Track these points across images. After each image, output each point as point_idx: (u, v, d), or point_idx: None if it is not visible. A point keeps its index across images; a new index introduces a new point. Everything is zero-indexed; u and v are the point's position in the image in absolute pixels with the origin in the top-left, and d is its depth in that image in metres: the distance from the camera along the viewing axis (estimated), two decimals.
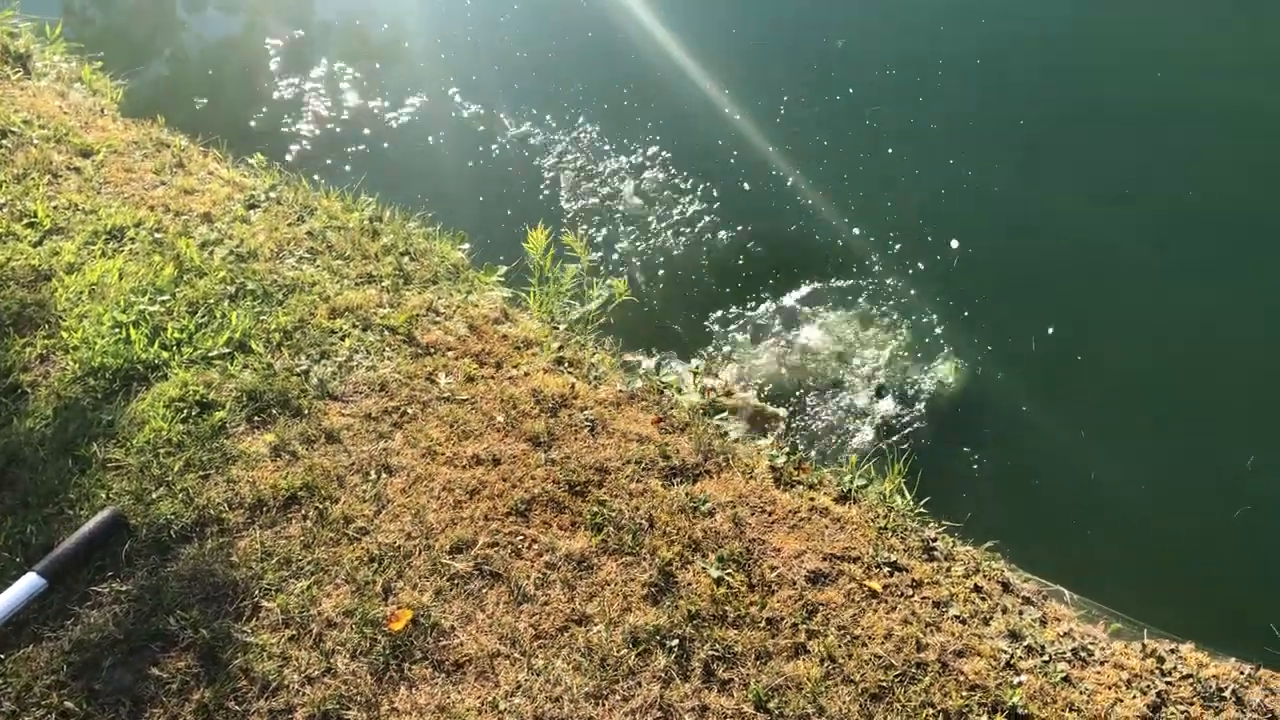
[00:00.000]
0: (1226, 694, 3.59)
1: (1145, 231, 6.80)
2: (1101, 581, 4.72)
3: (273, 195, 5.62)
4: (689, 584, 3.72)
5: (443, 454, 4.10)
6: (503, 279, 5.40)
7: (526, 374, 4.60)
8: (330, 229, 5.39)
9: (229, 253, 5.01)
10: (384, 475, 3.98)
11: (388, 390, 4.38)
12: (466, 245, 5.66)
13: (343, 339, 4.61)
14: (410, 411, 4.30)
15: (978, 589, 3.94)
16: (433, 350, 4.65)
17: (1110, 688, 3.57)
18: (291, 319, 4.66)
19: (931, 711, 3.39)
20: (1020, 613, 3.88)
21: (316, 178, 6.01)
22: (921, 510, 4.56)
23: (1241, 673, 3.75)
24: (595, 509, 3.94)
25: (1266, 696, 3.64)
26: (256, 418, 4.18)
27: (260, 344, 4.51)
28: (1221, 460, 5.44)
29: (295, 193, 5.70)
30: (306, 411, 4.21)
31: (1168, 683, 3.61)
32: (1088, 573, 4.70)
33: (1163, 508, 5.21)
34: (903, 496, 4.60)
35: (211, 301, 4.68)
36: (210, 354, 4.40)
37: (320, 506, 3.81)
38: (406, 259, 5.30)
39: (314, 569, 3.60)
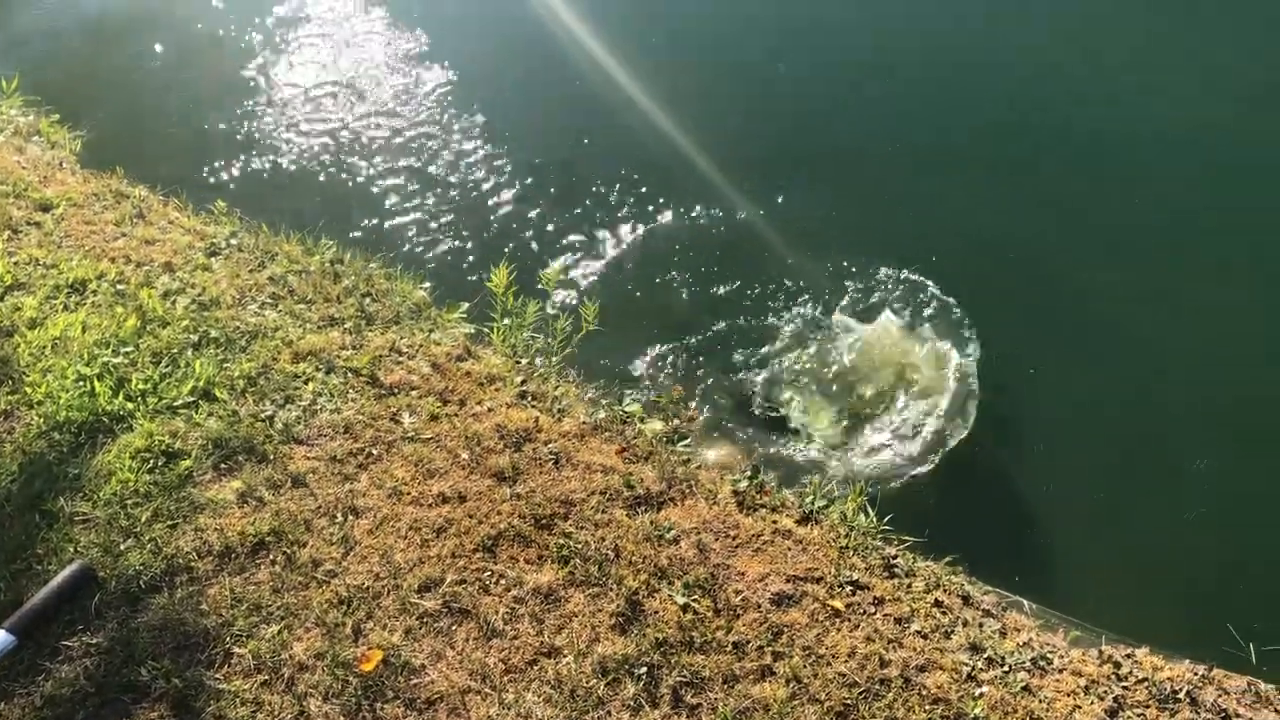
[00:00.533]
0: (1181, 695, 3.69)
1: (1095, 247, 6.95)
2: (1061, 590, 4.84)
3: (234, 242, 5.68)
4: (656, 612, 3.79)
5: (409, 494, 4.15)
6: (465, 315, 5.47)
7: (490, 410, 4.66)
8: (291, 273, 5.45)
9: (191, 301, 5.06)
10: (351, 517, 4.03)
11: (352, 432, 4.44)
12: (428, 284, 5.73)
13: (306, 383, 4.67)
14: (375, 452, 4.35)
15: (938, 604, 4.02)
16: (396, 390, 4.71)
17: (1069, 694, 3.65)
18: (255, 365, 4.71)
19: None
20: (981, 625, 3.96)
21: (277, 222, 6.06)
22: (886, 527, 4.65)
23: (1195, 674, 3.85)
24: (561, 541, 4.01)
25: (1220, 696, 3.74)
26: (223, 465, 4.22)
27: (225, 391, 4.55)
28: (1174, 463, 5.57)
29: (256, 238, 5.76)
30: (272, 457, 4.25)
31: (1124, 687, 3.71)
32: (1047, 582, 4.81)
33: (1118, 514, 5.32)
34: (866, 515, 4.68)
35: (175, 351, 4.72)
36: (175, 403, 4.45)
37: (288, 551, 3.86)
38: (368, 300, 5.37)
39: (284, 613, 3.64)
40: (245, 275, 5.36)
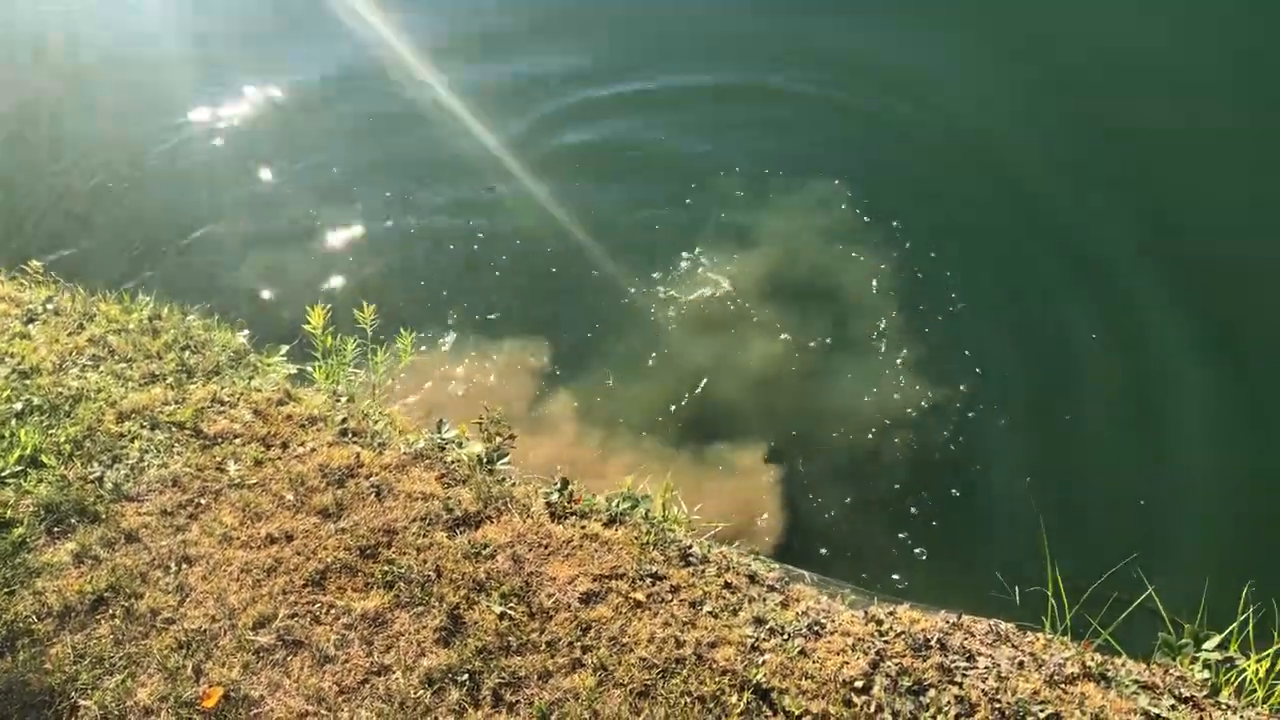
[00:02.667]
0: (933, 643, 4.30)
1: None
2: (847, 558, 5.48)
3: (50, 306, 5.82)
4: (475, 622, 4.20)
5: (238, 538, 4.46)
6: (285, 358, 5.75)
7: (313, 450, 4.99)
8: (111, 333, 5.64)
9: (11, 371, 5.21)
10: (184, 566, 4.32)
11: (180, 484, 4.70)
12: (247, 331, 5.98)
13: (132, 441, 4.90)
14: (204, 502, 4.63)
15: (728, 585, 4.56)
16: (220, 440, 4.99)
17: (838, 653, 4.23)
18: (80, 428, 4.91)
19: (690, 699, 3.97)
20: (765, 600, 4.51)
21: (92, 283, 6.21)
22: (695, 516, 5.20)
23: (948, 622, 4.48)
24: (385, 569, 4.38)
25: (966, 639, 4.38)
26: (56, 529, 4.44)
27: (52, 457, 4.75)
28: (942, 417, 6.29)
29: (73, 301, 5.91)
30: (104, 516, 4.49)
31: (885, 641, 4.30)
32: (833, 551, 5.44)
33: (888, 478, 6.01)
34: (678, 507, 5.22)
35: None
36: (3, 474, 4.63)
37: (126, 604, 4.13)
38: (188, 353, 5.60)
39: (126, 663, 3.92)
40: (65, 339, 5.53)
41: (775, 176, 8.82)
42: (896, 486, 6.41)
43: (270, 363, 5.69)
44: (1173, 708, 4.10)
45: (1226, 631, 4.49)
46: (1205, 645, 4.40)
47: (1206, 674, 4.32)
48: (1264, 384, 7.05)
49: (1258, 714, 4.18)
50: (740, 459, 6.55)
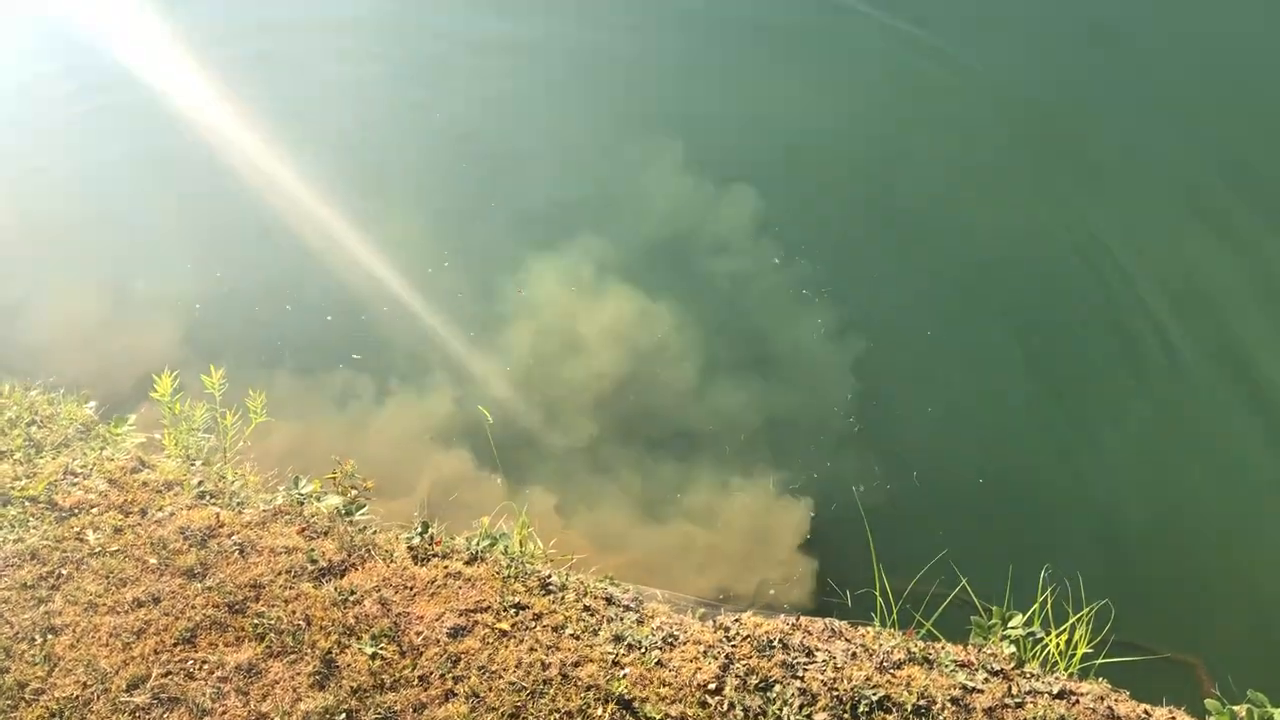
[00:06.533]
0: (776, 643, 4.72)
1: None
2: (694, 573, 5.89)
3: None
4: (349, 664, 4.39)
5: (104, 604, 4.53)
6: (134, 427, 5.79)
7: (172, 514, 5.08)
8: None
9: None
10: (50, 636, 4.36)
11: (39, 557, 4.73)
12: (93, 403, 5.99)
13: None
14: (65, 572, 4.67)
15: (587, 609, 4.88)
16: (77, 511, 5.02)
17: (692, 660, 4.60)
18: None
19: (559, 715, 4.26)
20: (622, 619, 4.85)
21: None
22: (551, 550, 5.50)
23: (788, 624, 4.91)
24: (255, 621, 4.53)
25: (805, 637, 4.82)
26: None
27: None
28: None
29: None
30: None
31: (733, 646, 4.70)
32: (680, 568, 5.85)
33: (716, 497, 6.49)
34: (534, 543, 5.51)
35: None
36: None
37: None
38: (34, 428, 5.59)
39: None
40: None
41: None
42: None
43: (119, 432, 5.72)
44: (986, 680, 4.63)
45: (1029, 612, 5.07)
46: (1010, 624, 4.96)
47: (1013, 649, 4.88)
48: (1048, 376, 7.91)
49: (1056, 678, 4.76)
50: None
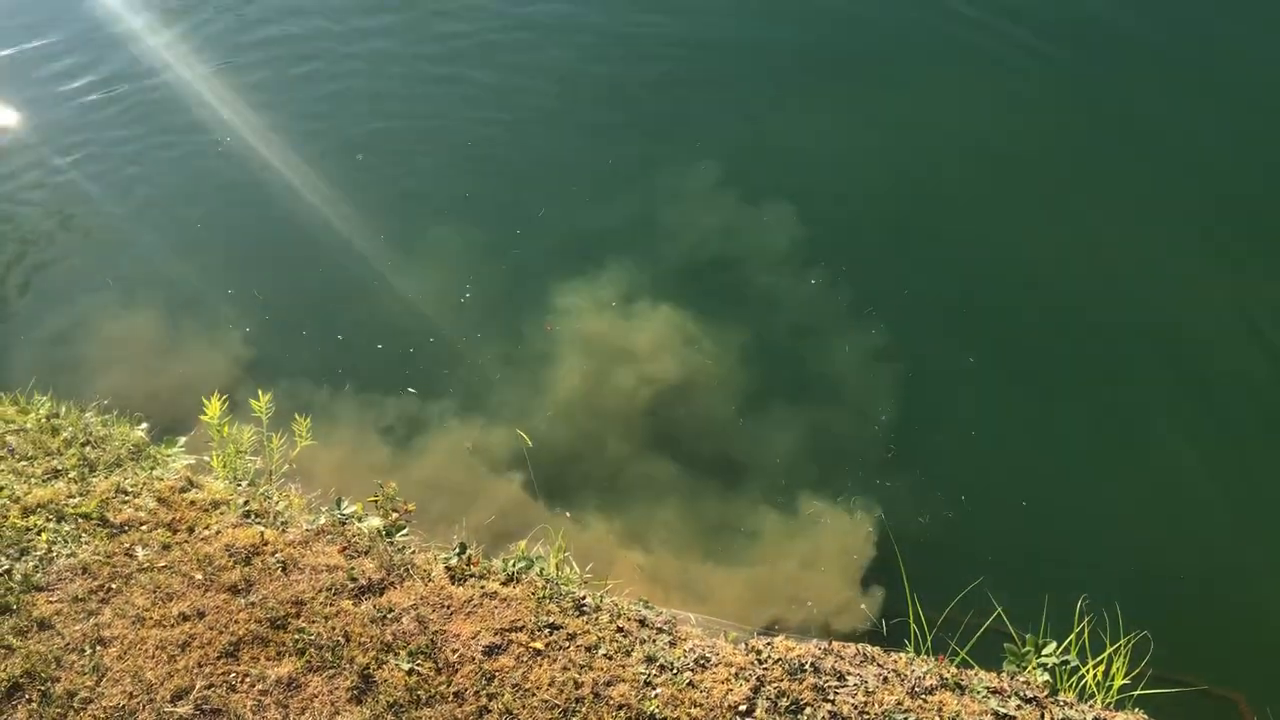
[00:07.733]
0: (808, 666, 4.74)
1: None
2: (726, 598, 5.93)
3: None
4: (386, 680, 4.49)
5: (151, 618, 4.66)
6: (184, 449, 5.96)
7: (218, 532, 5.22)
8: (9, 433, 5.78)
9: None
10: (99, 647, 4.50)
11: (90, 571, 4.88)
12: (145, 424, 6.18)
13: (39, 533, 5.06)
14: (115, 586, 4.82)
15: (620, 630, 4.93)
16: (127, 527, 5.18)
17: (723, 682, 4.63)
18: None
19: None
20: (655, 641, 4.90)
21: None
22: (587, 575, 5.57)
23: (819, 649, 4.93)
24: (296, 636, 4.64)
25: (837, 661, 4.83)
26: None
27: None
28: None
29: None
30: (15, 606, 4.64)
31: (764, 668, 4.72)
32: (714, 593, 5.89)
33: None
34: (570, 567, 5.58)
35: None
36: None
37: (43, 688, 4.29)
38: (89, 448, 5.78)
39: None
40: None
41: None
42: None
43: (169, 453, 5.89)
44: (1019, 707, 4.61)
45: (1066, 641, 5.05)
46: (1044, 652, 4.94)
47: (1047, 678, 4.86)
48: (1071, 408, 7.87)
49: (1090, 707, 4.73)
50: None
